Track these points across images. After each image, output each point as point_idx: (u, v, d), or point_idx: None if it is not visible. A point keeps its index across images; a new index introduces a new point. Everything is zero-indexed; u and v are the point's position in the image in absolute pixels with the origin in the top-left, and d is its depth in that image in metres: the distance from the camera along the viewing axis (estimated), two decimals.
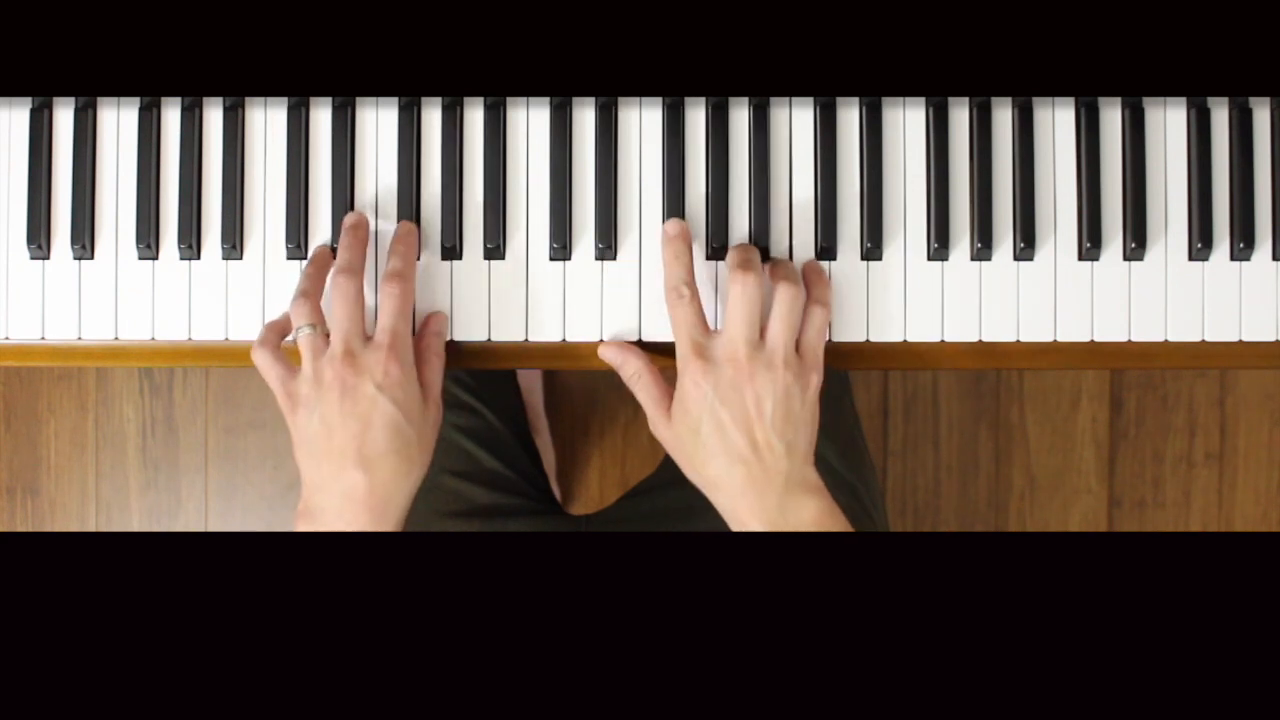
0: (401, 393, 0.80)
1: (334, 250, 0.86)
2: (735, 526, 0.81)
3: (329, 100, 0.86)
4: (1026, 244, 0.86)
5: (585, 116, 0.86)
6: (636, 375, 0.84)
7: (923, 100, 0.87)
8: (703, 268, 0.85)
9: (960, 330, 0.87)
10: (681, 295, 0.82)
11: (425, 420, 0.82)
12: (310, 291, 0.82)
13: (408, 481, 0.81)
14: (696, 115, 0.87)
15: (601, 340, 0.86)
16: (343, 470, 0.79)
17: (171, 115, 0.86)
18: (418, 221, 0.86)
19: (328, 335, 0.81)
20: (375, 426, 0.79)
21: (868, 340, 0.87)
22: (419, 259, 0.86)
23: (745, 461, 0.80)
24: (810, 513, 0.80)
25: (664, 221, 0.86)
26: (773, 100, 0.86)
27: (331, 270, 0.83)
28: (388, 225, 0.86)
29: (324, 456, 0.80)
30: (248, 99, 0.86)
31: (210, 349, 0.87)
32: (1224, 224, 0.87)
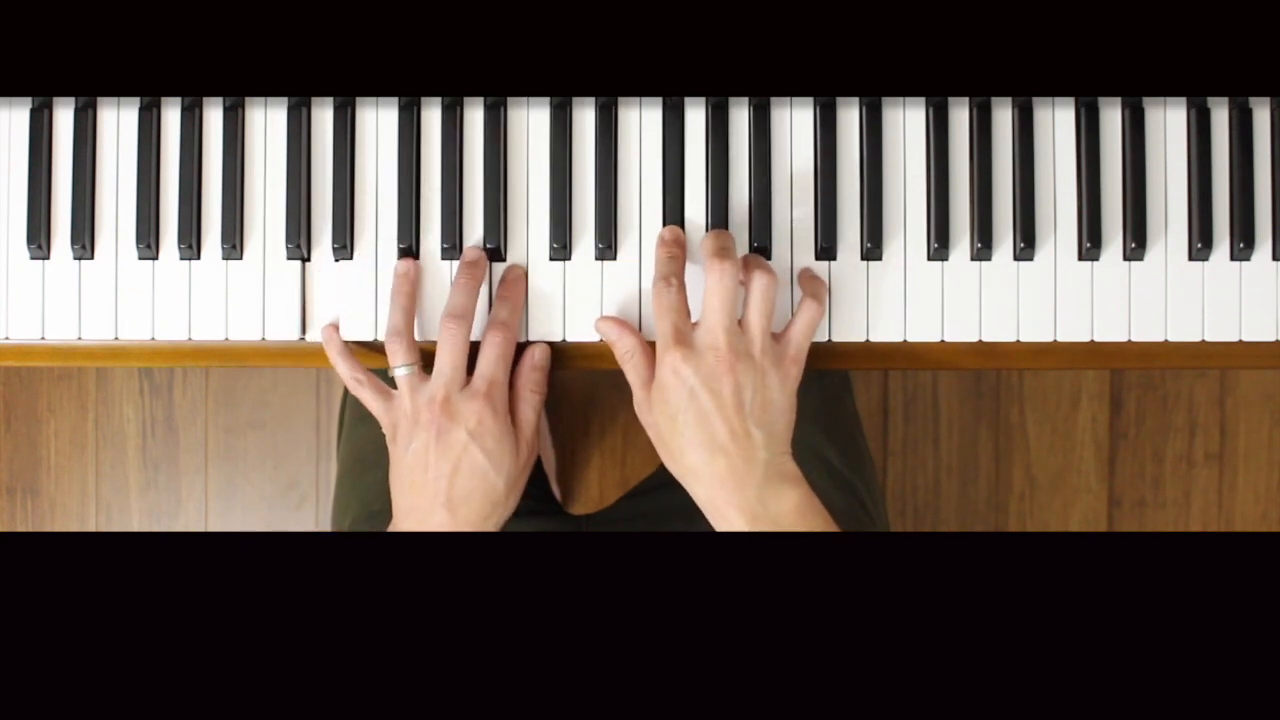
0: (492, 441, 0.82)
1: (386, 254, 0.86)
2: (713, 516, 0.81)
3: (329, 100, 0.86)
4: (1026, 244, 0.86)
5: (585, 116, 0.86)
6: (629, 353, 0.84)
7: (923, 100, 0.87)
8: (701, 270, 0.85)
9: (960, 330, 0.87)
10: (670, 285, 0.81)
11: (515, 464, 0.84)
12: (404, 329, 0.84)
13: (489, 520, 0.84)
14: (696, 115, 0.86)
15: (601, 340, 0.86)
16: (432, 507, 0.83)
17: (171, 115, 0.86)
18: (417, 221, 0.86)
19: (423, 370, 0.83)
20: (463, 472, 0.82)
21: (868, 340, 0.87)
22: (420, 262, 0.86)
23: (726, 451, 0.79)
24: (790, 502, 0.80)
25: (664, 221, 0.86)
26: (773, 100, 0.86)
27: (445, 309, 0.83)
28: (389, 225, 0.86)
29: (416, 489, 0.83)
30: (248, 99, 0.86)
31: (210, 349, 0.87)
32: (1224, 224, 0.87)
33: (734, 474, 0.79)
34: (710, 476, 0.80)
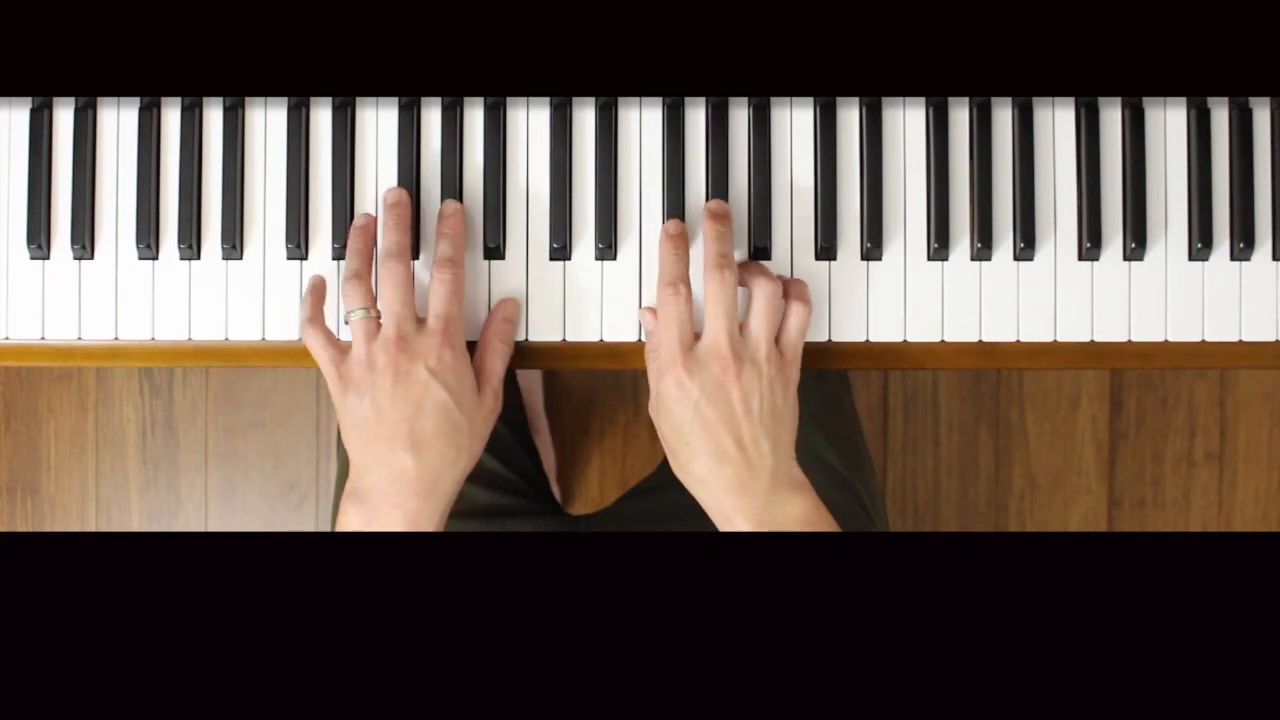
0: (454, 379, 0.81)
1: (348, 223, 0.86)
2: (720, 523, 0.81)
3: (329, 100, 0.86)
4: (1026, 244, 0.86)
5: (585, 116, 0.86)
6: (655, 352, 0.83)
7: (923, 100, 0.87)
8: (701, 268, 0.85)
9: (960, 330, 0.87)
10: (678, 292, 0.81)
11: (478, 407, 0.82)
12: (362, 273, 0.83)
13: (456, 466, 0.82)
14: (696, 115, 0.86)
15: (601, 340, 0.86)
16: (392, 453, 0.80)
17: (171, 115, 0.86)
18: (416, 222, 0.86)
19: (378, 317, 0.82)
20: (426, 411, 0.80)
21: (868, 340, 0.87)
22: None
23: (732, 460, 0.79)
24: (797, 509, 0.80)
25: (665, 221, 0.86)
26: (773, 100, 0.86)
27: (379, 253, 0.84)
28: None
29: (373, 439, 0.81)
30: (248, 99, 0.86)
31: (210, 349, 0.87)
32: (1224, 224, 0.87)
33: (741, 482, 0.80)
34: (717, 485, 0.80)
